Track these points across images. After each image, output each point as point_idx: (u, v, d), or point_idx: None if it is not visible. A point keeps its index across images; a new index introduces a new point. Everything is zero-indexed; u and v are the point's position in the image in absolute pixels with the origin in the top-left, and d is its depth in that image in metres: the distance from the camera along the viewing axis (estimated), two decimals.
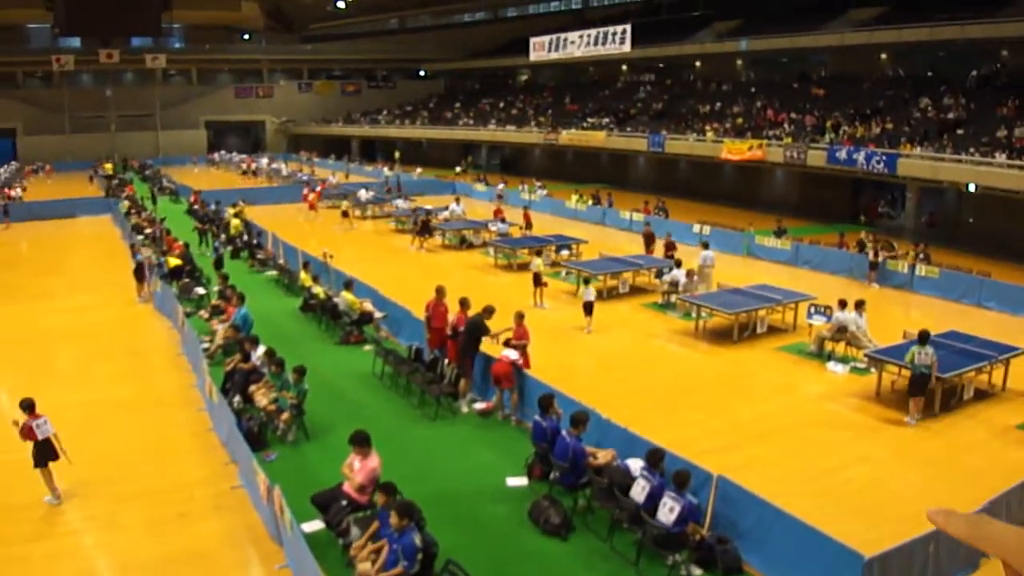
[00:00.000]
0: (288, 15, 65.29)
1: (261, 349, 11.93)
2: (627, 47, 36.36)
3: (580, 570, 7.66)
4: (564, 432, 8.87)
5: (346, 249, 23.84)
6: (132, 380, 13.00)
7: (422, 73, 66.58)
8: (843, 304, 14.12)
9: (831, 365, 13.66)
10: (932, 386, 11.30)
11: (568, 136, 42.15)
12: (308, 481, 8.83)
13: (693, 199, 34.33)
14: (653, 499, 7.72)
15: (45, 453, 8.69)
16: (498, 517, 8.61)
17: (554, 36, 40.86)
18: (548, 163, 47.97)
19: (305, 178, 41.49)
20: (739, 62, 42.98)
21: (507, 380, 11.06)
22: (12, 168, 47.66)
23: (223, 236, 24.36)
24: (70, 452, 8.86)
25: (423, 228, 25.03)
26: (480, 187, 38.63)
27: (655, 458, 8.11)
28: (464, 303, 12.36)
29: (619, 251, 22.03)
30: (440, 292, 12.88)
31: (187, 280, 18.25)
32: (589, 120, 43.67)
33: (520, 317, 11.94)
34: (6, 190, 36.09)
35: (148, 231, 23.86)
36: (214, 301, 16.16)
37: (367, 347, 14.24)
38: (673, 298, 17.38)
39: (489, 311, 11.89)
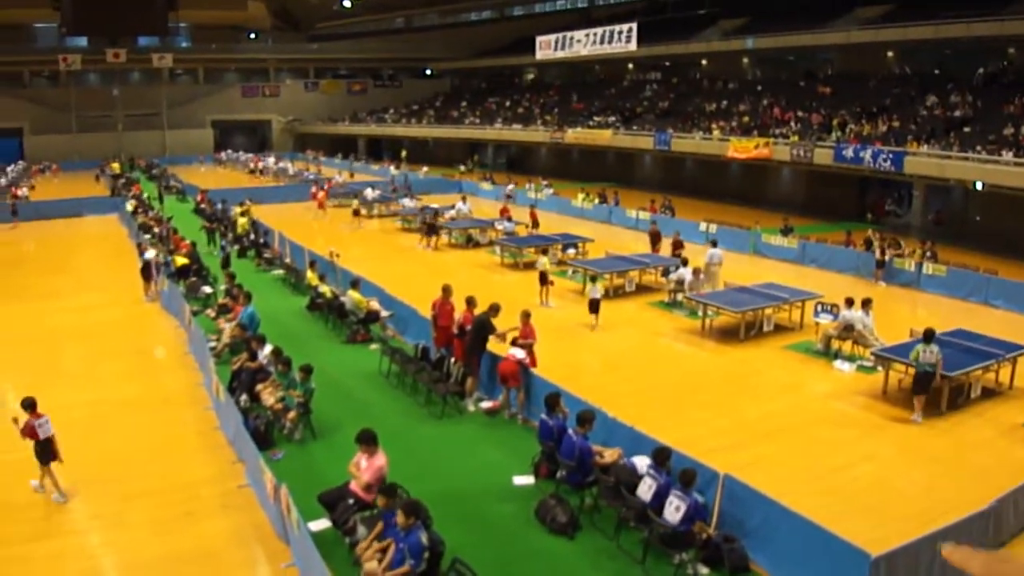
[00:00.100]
0: (294, 14, 65.45)
1: (268, 348, 11.95)
2: (633, 46, 36.31)
3: (587, 569, 7.65)
4: (571, 431, 8.88)
5: (353, 248, 23.89)
6: (139, 379, 13.04)
7: (428, 72, 66.67)
8: (850, 302, 14.09)
9: (838, 363, 13.63)
10: (937, 384, 11.26)
11: (574, 135, 42.12)
12: (315, 480, 8.85)
13: (699, 198, 34.22)
14: (660, 498, 7.73)
15: (47, 452, 8.72)
16: (505, 516, 8.60)
17: (560, 35, 40.82)
18: (554, 162, 47.99)
19: (313, 177, 41.55)
20: (745, 60, 42.93)
21: (513, 379, 11.06)
22: (19, 167, 47.86)
23: (230, 235, 24.45)
24: (77, 451, 8.90)
25: (431, 228, 25.06)
26: (486, 186, 38.65)
27: (662, 457, 8.12)
28: (470, 302, 12.39)
29: (625, 250, 22.02)
30: (446, 291, 12.91)
31: (194, 279, 18.31)
32: (595, 119, 43.62)
33: (526, 316, 11.93)
34: (13, 189, 36.25)
35: (155, 230, 23.89)
36: (221, 300, 16.20)
37: (373, 346, 14.25)
38: (679, 296, 17.37)
39: (495, 309, 11.93)
